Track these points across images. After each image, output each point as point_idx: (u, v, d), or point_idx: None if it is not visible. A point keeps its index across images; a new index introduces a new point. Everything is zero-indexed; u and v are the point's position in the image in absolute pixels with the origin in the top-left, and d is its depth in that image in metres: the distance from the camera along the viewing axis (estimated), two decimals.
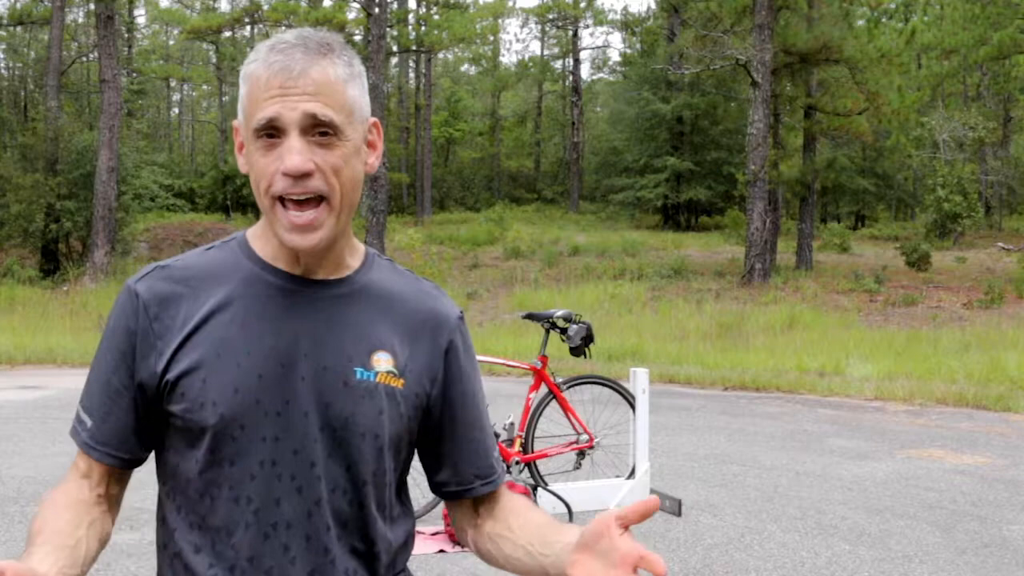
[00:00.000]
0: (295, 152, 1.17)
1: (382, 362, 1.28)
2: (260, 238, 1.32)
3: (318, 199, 1.20)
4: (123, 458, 1.29)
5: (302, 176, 1.18)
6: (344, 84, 1.22)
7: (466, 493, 1.40)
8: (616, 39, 70.55)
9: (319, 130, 1.19)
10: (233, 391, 1.21)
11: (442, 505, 4.32)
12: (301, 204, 1.20)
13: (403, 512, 1.37)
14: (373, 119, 1.28)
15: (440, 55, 47.71)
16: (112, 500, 1.32)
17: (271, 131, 1.18)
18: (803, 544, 4.93)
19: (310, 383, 1.24)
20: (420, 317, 1.34)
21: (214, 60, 44.39)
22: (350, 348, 1.27)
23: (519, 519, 1.35)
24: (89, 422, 1.29)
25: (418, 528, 4.99)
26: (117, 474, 1.31)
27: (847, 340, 13.59)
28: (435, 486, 1.41)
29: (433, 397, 1.34)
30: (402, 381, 1.29)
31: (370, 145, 1.28)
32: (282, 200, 1.20)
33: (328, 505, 1.25)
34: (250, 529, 1.23)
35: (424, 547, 4.69)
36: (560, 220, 35.74)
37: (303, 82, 1.18)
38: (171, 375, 1.23)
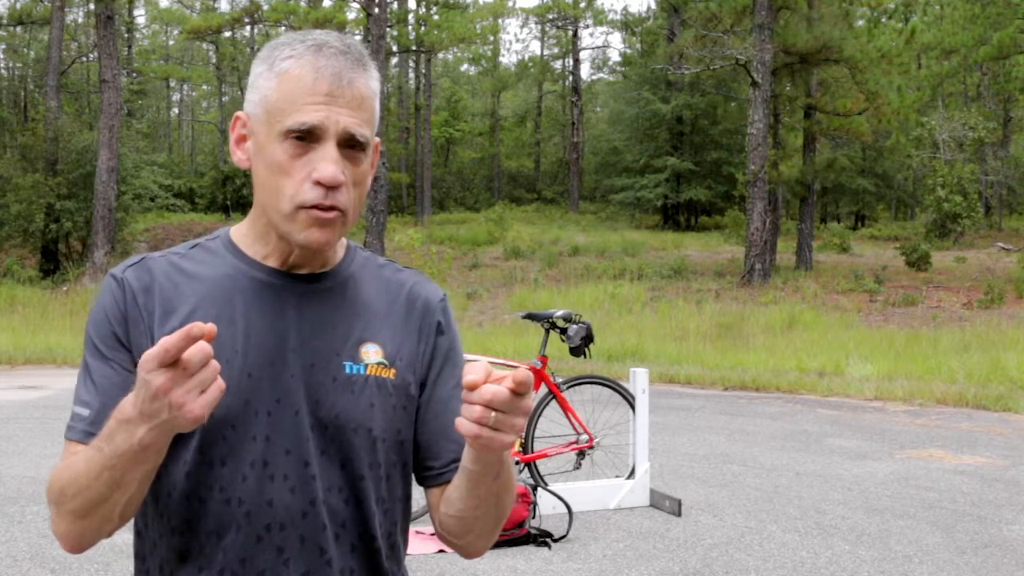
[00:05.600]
0: (332, 162, 1.18)
1: (371, 354, 1.28)
2: (247, 237, 1.30)
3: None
4: None
5: (333, 187, 1.19)
6: (374, 99, 1.24)
7: (446, 474, 1.32)
8: (616, 39, 70.48)
9: (350, 143, 1.21)
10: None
11: None
12: (325, 210, 1.20)
13: (403, 505, 1.35)
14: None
15: (440, 55, 47.69)
16: None
17: (305, 135, 1.19)
18: (803, 544, 4.93)
19: (299, 380, 1.23)
20: (406, 304, 1.34)
21: (214, 60, 44.31)
22: (338, 342, 1.27)
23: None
24: (86, 412, 1.19)
25: (418, 528, 5.01)
26: None
27: (847, 340, 13.59)
28: (420, 471, 1.34)
29: (424, 382, 1.33)
30: (393, 371, 1.28)
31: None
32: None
33: (324, 505, 1.23)
34: (242, 531, 1.20)
35: (424, 547, 4.69)
36: (560, 220, 35.68)
37: (349, 93, 1.20)
38: None
